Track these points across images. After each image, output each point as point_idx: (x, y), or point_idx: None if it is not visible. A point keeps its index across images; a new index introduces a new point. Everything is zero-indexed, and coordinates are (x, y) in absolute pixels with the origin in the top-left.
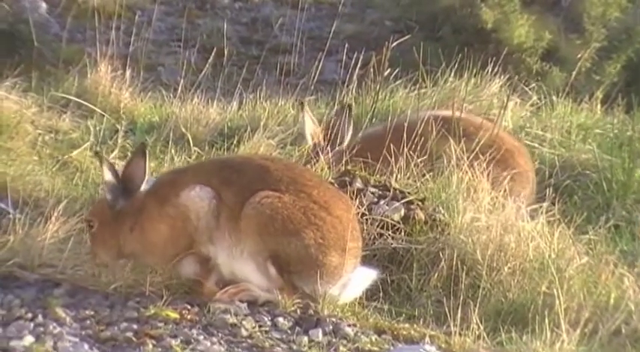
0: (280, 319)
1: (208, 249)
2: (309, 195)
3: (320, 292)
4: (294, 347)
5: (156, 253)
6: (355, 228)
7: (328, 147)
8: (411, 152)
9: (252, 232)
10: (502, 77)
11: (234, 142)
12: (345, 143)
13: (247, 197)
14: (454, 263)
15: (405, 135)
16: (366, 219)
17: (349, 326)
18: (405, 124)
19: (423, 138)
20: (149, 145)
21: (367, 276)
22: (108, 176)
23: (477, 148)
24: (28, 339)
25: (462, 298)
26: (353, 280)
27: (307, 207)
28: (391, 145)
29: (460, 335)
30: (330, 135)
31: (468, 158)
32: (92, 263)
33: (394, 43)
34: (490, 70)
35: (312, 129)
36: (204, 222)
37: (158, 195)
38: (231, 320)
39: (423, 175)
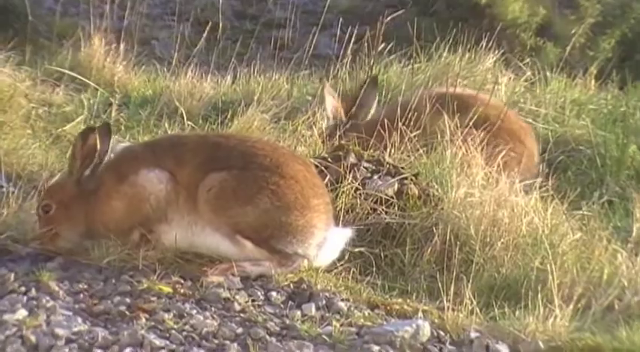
0: (273, 293)
1: (160, 226)
2: (259, 164)
3: (299, 253)
4: (287, 321)
5: (110, 226)
6: (316, 184)
7: (349, 122)
8: (404, 127)
9: (208, 211)
10: (496, 52)
11: (228, 116)
12: (370, 116)
13: (200, 178)
14: (447, 238)
15: (398, 111)
16: (360, 194)
17: (342, 300)
18: (399, 103)
19: (416, 113)
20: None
21: (342, 236)
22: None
23: (480, 124)
24: (21, 313)
25: (455, 273)
26: (328, 240)
27: (257, 175)
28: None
29: (453, 310)
30: (355, 108)
31: (461, 133)
32: (50, 246)
33: (388, 18)
34: (484, 45)
35: (333, 105)
36: (163, 203)
37: (117, 170)
38: (224, 294)
39: (417, 150)
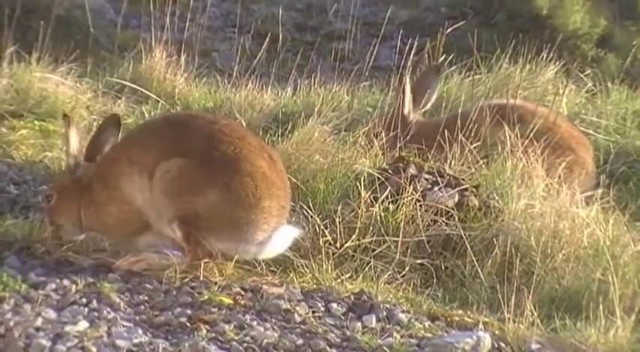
0: (334, 305)
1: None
2: (222, 152)
3: (234, 250)
4: (348, 332)
5: (114, 233)
6: (275, 184)
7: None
8: (464, 138)
9: (160, 192)
10: (557, 63)
11: (288, 128)
12: (429, 105)
13: (164, 157)
14: (508, 249)
15: (459, 122)
16: (420, 206)
17: (403, 312)
18: (460, 113)
19: (477, 125)
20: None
21: (289, 235)
22: (74, 141)
23: (532, 135)
24: (83, 324)
25: (515, 285)
26: (273, 238)
27: (215, 166)
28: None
29: (514, 321)
30: (414, 96)
31: (522, 144)
32: (52, 238)
33: (449, 29)
34: (545, 57)
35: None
36: (141, 198)
37: (101, 174)
38: (285, 305)
39: (477, 162)
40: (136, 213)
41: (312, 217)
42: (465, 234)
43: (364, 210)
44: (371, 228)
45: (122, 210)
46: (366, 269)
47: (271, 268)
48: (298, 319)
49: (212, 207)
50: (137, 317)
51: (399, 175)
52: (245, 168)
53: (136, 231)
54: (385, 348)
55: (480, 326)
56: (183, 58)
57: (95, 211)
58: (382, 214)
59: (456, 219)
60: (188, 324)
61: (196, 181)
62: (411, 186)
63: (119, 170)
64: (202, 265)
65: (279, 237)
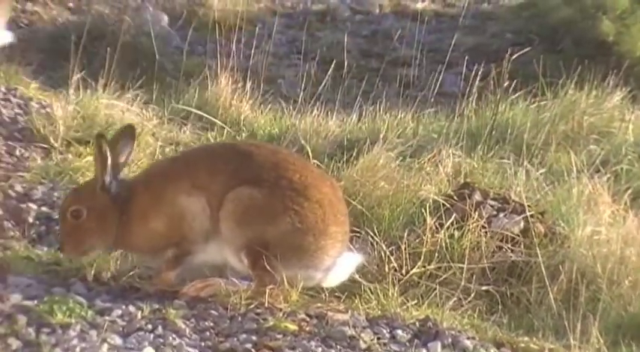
0: (399, 331)
1: (198, 246)
2: (289, 181)
3: (301, 276)
4: None
5: (144, 247)
6: (340, 211)
7: None
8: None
9: (230, 220)
10: (623, 90)
11: (354, 154)
12: None
13: (232, 186)
14: (574, 276)
15: None
16: (485, 232)
17: (468, 339)
18: None
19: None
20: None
21: (352, 261)
22: (109, 157)
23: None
24: (148, 350)
25: (581, 311)
26: (337, 265)
27: (285, 194)
28: None
29: (580, 348)
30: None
31: (588, 170)
32: (73, 255)
33: (514, 56)
34: (611, 83)
35: None
36: (198, 222)
37: (152, 189)
38: (350, 332)
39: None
40: (179, 232)
41: (377, 243)
42: (530, 261)
43: (429, 236)
44: (436, 255)
45: (166, 226)
46: (432, 295)
47: (336, 294)
48: (363, 346)
49: (282, 234)
50: (202, 344)
51: (465, 202)
52: (313, 195)
53: (167, 246)
54: None
55: None
56: (248, 84)
57: (133, 225)
58: (447, 241)
59: (522, 245)
60: (253, 350)
61: (267, 210)
62: (477, 213)
63: (179, 187)
64: (268, 292)
65: (342, 264)
